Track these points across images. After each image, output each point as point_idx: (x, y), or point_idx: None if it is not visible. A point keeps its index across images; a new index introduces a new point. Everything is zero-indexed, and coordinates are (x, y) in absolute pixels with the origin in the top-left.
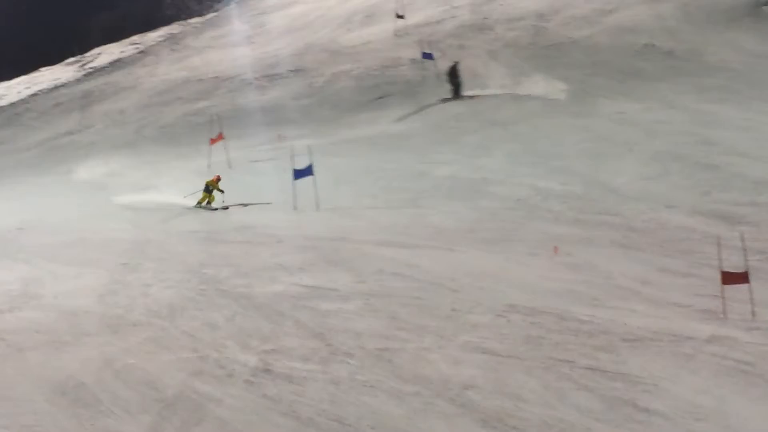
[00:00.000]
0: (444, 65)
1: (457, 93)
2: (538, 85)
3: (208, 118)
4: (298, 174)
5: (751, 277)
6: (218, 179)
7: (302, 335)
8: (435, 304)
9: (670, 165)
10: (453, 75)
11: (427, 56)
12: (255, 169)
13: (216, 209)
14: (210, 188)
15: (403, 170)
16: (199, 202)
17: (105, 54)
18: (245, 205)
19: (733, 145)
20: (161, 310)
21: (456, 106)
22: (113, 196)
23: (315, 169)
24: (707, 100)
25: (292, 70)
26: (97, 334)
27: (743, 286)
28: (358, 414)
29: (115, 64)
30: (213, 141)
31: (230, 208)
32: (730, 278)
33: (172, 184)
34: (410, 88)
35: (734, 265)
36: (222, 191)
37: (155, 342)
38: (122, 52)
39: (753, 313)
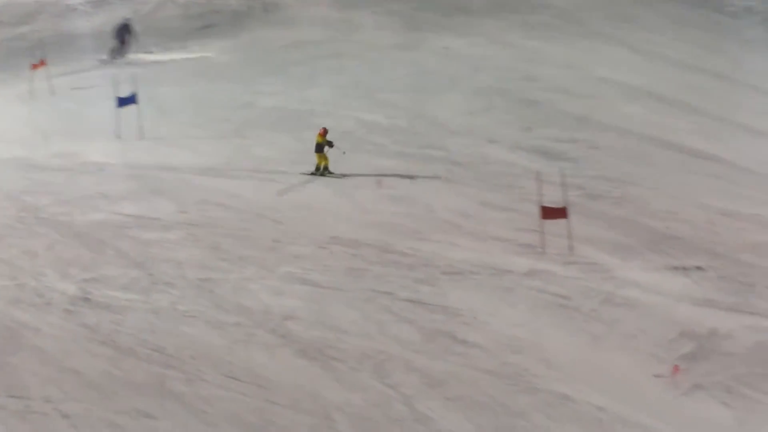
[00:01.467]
0: None
1: (118, 53)
2: (365, 19)
3: (30, 43)
4: (122, 102)
5: (570, 213)
6: (325, 132)
7: (123, 264)
8: (257, 235)
9: (494, 100)
10: (121, 33)
11: None
12: (77, 97)
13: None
14: (321, 146)
15: (228, 100)
16: (318, 168)
17: None
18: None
19: (556, 82)
20: None
21: (282, 37)
22: None
23: (139, 97)
24: (532, 36)
25: None
26: None
27: (562, 221)
28: (179, 344)
29: None
30: (35, 66)
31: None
32: (549, 213)
33: None
34: (237, 18)
35: (553, 200)
36: (331, 144)
37: None
38: None
39: (570, 248)
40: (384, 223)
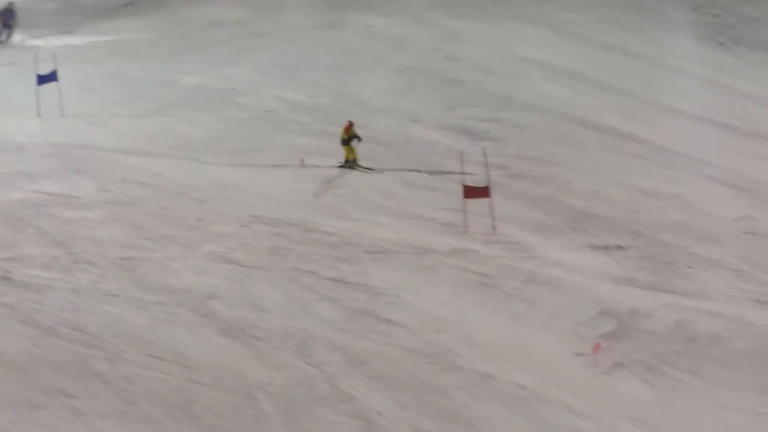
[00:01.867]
0: None
1: (3, 36)
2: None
3: None
4: (42, 79)
5: (492, 192)
6: (350, 125)
7: (44, 243)
8: (180, 214)
9: (417, 80)
10: (4, 17)
11: None
12: None
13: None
14: (347, 140)
15: (149, 78)
16: (347, 160)
17: None
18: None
19: (478, 62)
20: None
21: (204, 15)
22: None
23: (60, 74)
24: (455, 16)
25: None
26: None
27: (484, 200)
28: (100, 323)
29: None
30: None
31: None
32: (471, 192)
33: None
34: None
35: (476, 179)
36: (359, 138)
37: None
38: None
39: (493, 227)
40: (307, 203)
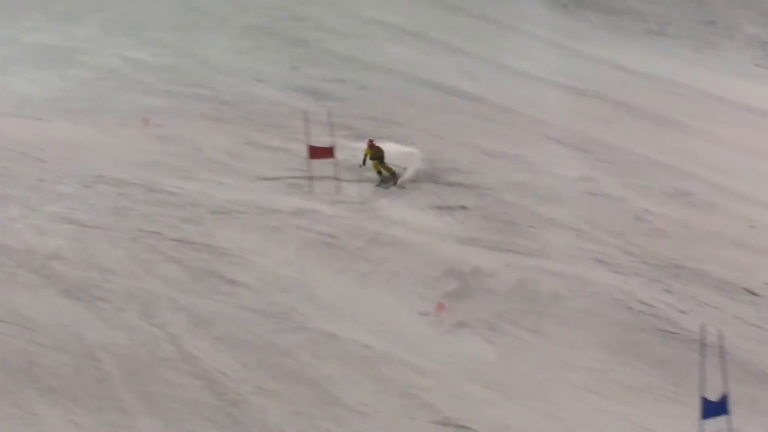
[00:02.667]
0: None
1: None
2: None
3: None
4: None
5: (336, 152)
6: (371, 144)
7: None
8: (20, 174)
9: (262, 39)
10: None
11: None
12: None
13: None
14: (372, 156)
15: None
16: (380, 173)
17: None
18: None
19: (323, 22)
20: None
21: None
22: None
23: None
24: None
25: None
26: None
27: (329, 161)
28: None
29: None
30: None
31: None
32: (316, 153)
33: None
34: None
35: (321, 140)
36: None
37: None
38: None
39: (338, 188)
40: (150, 162)
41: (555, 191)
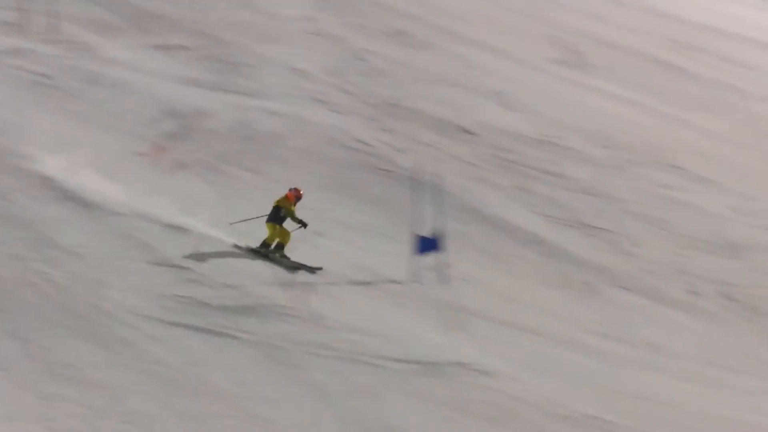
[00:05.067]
0: None
1: None
2: None
3: None
4: None
5: None
6: (296, 197)
7: None
8: None
9: None
10: None
11: None
12: None
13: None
14: (281, 213)
15: None
16: (266, 244)
17: None
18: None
19: None
20: None
21: None
22: None
23: None
24: None
25: None
26: None
27: None
28: None
29: None
30: None
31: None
32: None
33: None
34: None
35: None
36: (302, 224)
37: None
38: None
39: (53, 26)
40: None
41: (275, 30)
